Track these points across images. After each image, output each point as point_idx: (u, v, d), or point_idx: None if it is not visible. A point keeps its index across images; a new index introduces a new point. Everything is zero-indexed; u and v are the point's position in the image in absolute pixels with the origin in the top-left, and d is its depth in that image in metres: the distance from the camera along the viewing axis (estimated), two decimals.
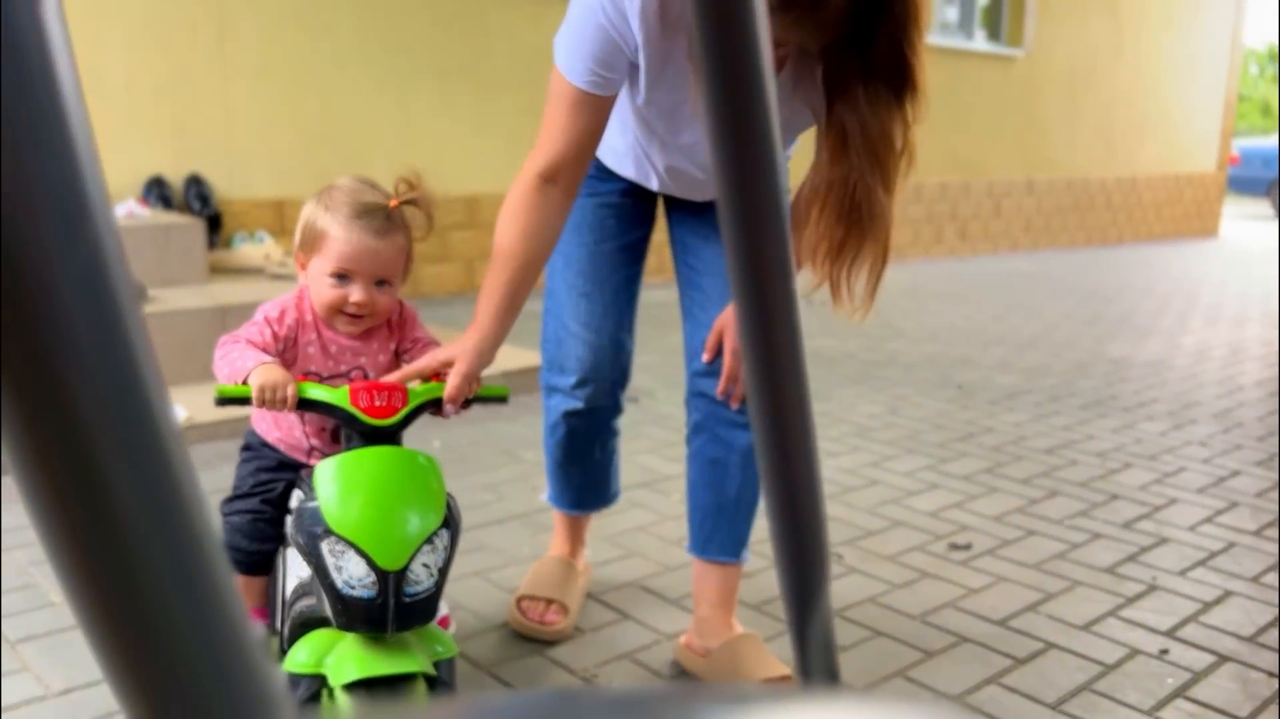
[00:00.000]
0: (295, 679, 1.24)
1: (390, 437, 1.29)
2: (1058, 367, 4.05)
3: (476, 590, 1.94)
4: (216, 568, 0.19)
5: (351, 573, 1.17)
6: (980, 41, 7.56)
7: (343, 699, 1.20)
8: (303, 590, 1.28)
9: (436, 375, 1.34)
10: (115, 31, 3.98)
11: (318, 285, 1.36)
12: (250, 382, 1.26)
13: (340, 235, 1.32)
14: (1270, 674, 1.74)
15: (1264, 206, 13.02)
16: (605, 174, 1.68)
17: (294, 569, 1.31)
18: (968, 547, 2.23)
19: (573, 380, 1.70)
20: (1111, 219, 9.03)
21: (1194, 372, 4.06)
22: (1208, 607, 1.98)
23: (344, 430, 1.31)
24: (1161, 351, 4.41)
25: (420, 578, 1.20)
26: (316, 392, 1.27)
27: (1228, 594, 2.04)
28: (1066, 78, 8.19)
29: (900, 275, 6.58)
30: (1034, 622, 1.90)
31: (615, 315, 1.70)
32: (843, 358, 4.08)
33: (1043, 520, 2.41)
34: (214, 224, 4.18)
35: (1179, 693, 1.67)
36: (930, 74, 1.30)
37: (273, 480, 1.43)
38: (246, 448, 1.48)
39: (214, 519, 0.17)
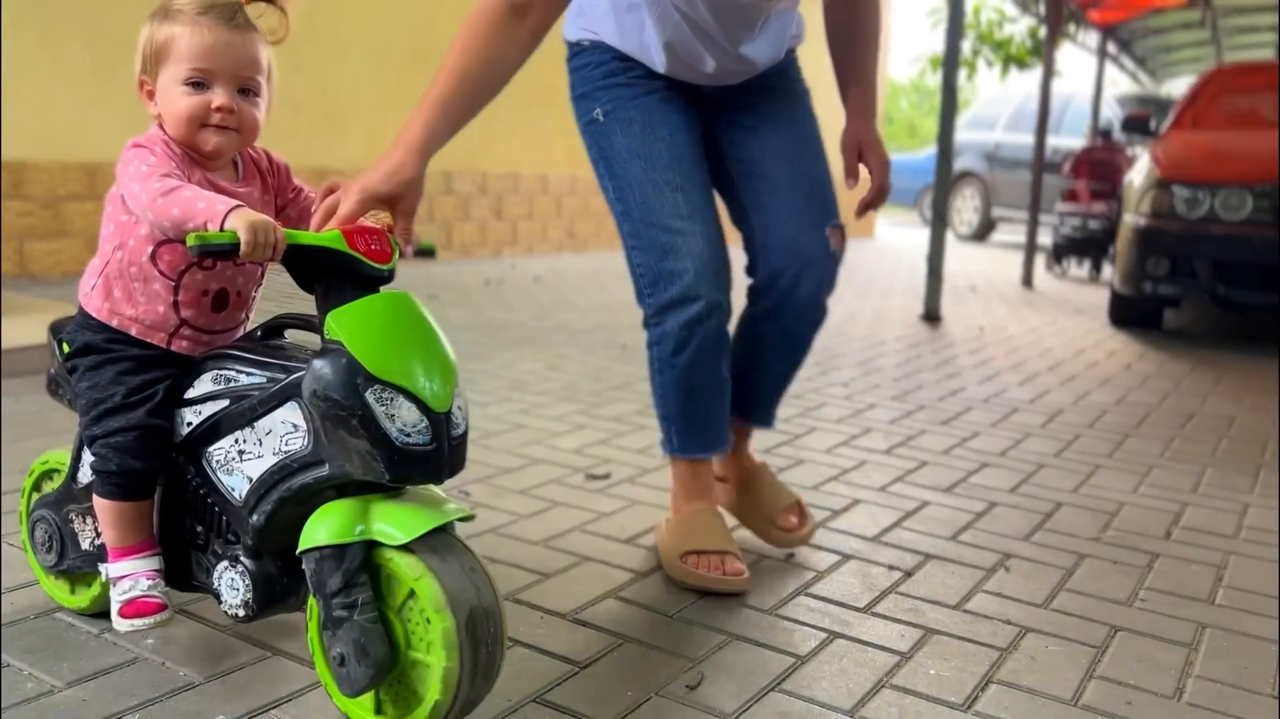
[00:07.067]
0: (337, 551, 1.08)
1: (387, 281, 1.14)
2: None
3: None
4: None
5: (405, 419, 1.07)
6: None
7: (402, 558, 1.07)
8: (294, 467, 1.12)
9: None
10: None
11: (174, 102, 1.17)
12: (231, 225, 1.04)
13: (189, 31, 1.15)
14: (890, 568, 1.71)
15: (912, 215, 14.37)
16: (648, 73, 1.61)
17: (268, 447, 1.14)
18: (606, 476, 2.10)
19: (688, 281, 1.53)
20: None
21: (842, 330, 4.25)
22: (837, 514, 1.96)
23: (325, 282, 1.12)
24: None
25: (458, 419, 1.12)
26: (307, 237, 1.11)
27: (855, 502, 2.04)
28: None
29: (581, 263, 6.57)
30: None
31: (713, 206, 1.60)
32: (509, 325, 3.90)
33: None
34: None
35: (802, 590, 1.60)
36: None
37: (149, 384, 1.20)
38: (86, 350, 1.22)
39: None
